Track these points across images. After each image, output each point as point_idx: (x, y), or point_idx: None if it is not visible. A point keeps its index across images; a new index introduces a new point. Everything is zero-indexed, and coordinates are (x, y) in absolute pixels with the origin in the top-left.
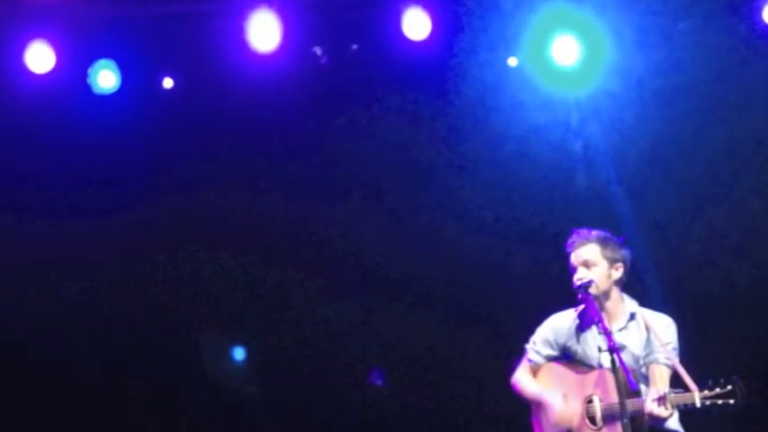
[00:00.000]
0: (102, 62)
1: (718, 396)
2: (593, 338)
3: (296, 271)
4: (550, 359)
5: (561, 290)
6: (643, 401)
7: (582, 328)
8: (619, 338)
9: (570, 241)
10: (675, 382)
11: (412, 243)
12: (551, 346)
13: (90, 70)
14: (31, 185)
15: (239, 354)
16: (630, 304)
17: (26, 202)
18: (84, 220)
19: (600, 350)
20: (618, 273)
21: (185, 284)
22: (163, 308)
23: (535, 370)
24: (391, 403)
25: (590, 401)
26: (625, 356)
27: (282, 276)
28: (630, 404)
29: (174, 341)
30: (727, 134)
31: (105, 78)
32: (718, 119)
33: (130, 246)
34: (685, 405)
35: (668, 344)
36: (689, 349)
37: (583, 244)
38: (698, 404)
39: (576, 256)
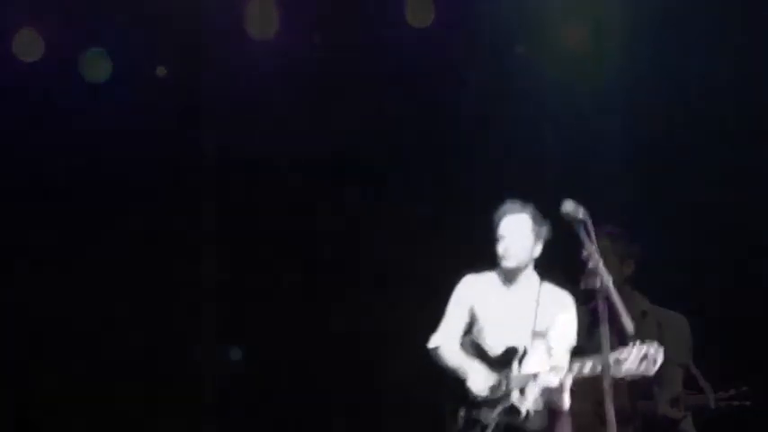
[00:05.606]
0: (94, 50)
1: (732, 397)
2: (603, 337)
3: (296, 269)
4: None
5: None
6: (656, 403)
7: (591, 326)
8: None
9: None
10: (689, 382)
11: (418, 238)
12: None
13: (81, 58)
14: (20, 178)
15: (237, 354)
16: (642, 302)
17: (15, 195)
18: (75, 215)
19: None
20: (629, 269)
21: (182, 282)
22: (158, 307)
23: None
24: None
25: (600, 403)
26: None
27: (282, 275)
28: (642, 406)
29: (171, 341)
30: (749, 125)
31: (97, 67)
32: (737, 109)
33: (124, 242)
34: (699, 406)
35: (681, 343)
36: (703, 349)
37: None
38: (712, 405)
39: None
